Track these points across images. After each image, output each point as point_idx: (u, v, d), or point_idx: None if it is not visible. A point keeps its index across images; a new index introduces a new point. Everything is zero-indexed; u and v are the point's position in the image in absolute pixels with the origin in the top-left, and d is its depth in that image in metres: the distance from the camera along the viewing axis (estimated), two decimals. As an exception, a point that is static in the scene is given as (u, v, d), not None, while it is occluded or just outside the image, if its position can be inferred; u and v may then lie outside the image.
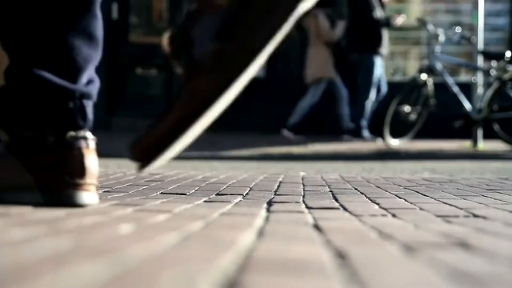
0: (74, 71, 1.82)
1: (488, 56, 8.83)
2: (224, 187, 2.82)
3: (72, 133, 1.80)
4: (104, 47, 1.89)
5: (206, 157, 7.45)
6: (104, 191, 2.55)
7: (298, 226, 1.55)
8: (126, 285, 0.85)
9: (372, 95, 9.59)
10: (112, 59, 11.01)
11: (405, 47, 11.51)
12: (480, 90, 8.66)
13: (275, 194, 2.51)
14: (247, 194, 2.50)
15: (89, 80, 1.88)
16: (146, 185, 2.87)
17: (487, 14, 10.18)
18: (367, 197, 2.43)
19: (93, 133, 1.88)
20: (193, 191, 2.62)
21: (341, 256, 1.13)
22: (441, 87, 8.90)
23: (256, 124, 10.86)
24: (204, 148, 8.08)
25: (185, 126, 1.71)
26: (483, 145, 8.59)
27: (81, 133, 1.82)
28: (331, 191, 2.72)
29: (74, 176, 1.77)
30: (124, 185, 2.89)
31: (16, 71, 1.84)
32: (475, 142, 8.63)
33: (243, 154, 7.81)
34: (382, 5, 9.80)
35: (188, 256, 1.09)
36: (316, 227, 1.53)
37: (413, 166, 6.49)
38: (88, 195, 1.80)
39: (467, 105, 8.56)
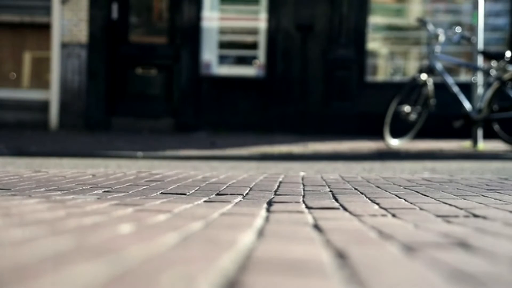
0: None
1: (488, 56, 8.81)
2: (224, 187, 2.82)
3: None
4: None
5: (206, 157, 7.44)
6: (104, 191, 2.55)
7: (298, 226, 1.55)
8: (126, 285, 0.85)
9: None
10: (112, 59, 10.99)
11: (405, 47, 11.49)
12: (480, 90, 8.64)
13: (275, 194, 2.51)
14: (247, 194, 2.50)
15: None
16: (146, 185, 2.87)
17: (487, 14, 10.17)
18: (367, 197, 2.43)
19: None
20: (193, 191, 2.62)
21: (341, 256, 1.13)
22: (441, 87, 8.88)
23: (256, 124, 10.84)
24: (204, 148, 8.07)
25: None
26: (483, 145, 8.58)
27: None
28: (331, 191, 2.72)
29: None
30: (124, 185, 2.90)
31: None
32: (475, 142, 8.62)
33: (243, 154, 7.80)
34: None
35: (188, 256, 1.09)
36: (316, 227, 1.53)
37: (413, 166, 6.48)
38: None
39: (467, 105, 8.54)
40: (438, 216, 1.81)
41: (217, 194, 2.48)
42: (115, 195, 2.36)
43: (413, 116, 8.72)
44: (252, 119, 10.97)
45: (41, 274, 0.89)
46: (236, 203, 2.15)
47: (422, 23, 9.11)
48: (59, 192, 2.49)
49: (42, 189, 2.62)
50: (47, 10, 11.00)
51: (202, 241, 1.26)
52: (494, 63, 8.67)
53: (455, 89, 8.75)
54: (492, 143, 8.76)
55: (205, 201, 2.18)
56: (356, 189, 2.83)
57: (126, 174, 3.61)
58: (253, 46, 11.19)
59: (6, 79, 11.31)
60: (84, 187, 2.75)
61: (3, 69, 11.38)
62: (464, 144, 8.97)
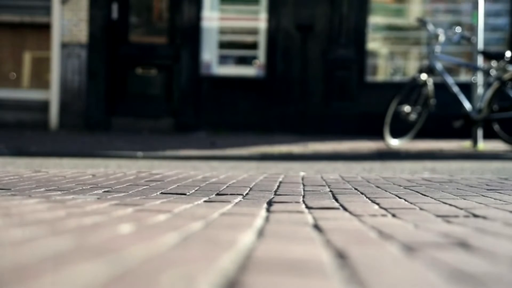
0: None
1: (488, 56, 8.81)
2: (224, 187, 2.82)
3: None
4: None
5: (206, 157, 7.44)
6: (104, 191, 2.55)
7: (298, 226, 1.55)
8: (126, 285, 0.85)
9: None
10: (112, 59, 11.00)
11: (405, 47, 11.49)
12: (480, 90, 8.65)
13: (275, 194, 2.51)
14: (247, 194, 2.50)
15: None
16: (146, 185, 2.87)
17: (487, 14, 10.17)
18: (367, 197, 2.43)
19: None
20: (193, 191, 2.62)
21: (341, 256, 1.13)
22: (441, 87, 8.88)
23: (256, 124, 10.85)
24: (204, 148, 8.07)
25: None
26: (483, 145, 8.58)
27: None
28: (331, 191, 2.72)
29: None
30: (124, 185, 2.90)
31: None
32: (475, 142, 8.62)
33: (243, 154, 7.80)
34: None
35: (188, 256, 1.09)
36: (316, 227, 1.54)
37: (413, 166, 6.48)
38: None
39: (467, 105, 8.54)
40: (438, 216, 1.81)
41: (217, 194, 2.48)
42: (115, 195, 2.36)
43: (413, 116, 8.71)
44: (252, 119, 10.97)
45: (41, 274, 0.89)
46: (236, 203, 2.16)
47: (422, 23, 9.11)
48: (59, 192, 2.49)
49: (42, 189, 2.62)
50: (47, 10, 10.99)
51: (202, 241, 1.26)
52: (494, 63, 8.66)
53: (455, 89, 8.74)
54: (492, 143, 8.76)
55: (205, 201, 2.18)
56: (356, 189, 2.83)
57: (126, 174, 3.61)
58: (253, 46, 11.18)
59: (6, 79, 11.31)
60: (84, 187, 2.75)
61: (3, 69, 11.38)
62: (464, 144, 8.97)
